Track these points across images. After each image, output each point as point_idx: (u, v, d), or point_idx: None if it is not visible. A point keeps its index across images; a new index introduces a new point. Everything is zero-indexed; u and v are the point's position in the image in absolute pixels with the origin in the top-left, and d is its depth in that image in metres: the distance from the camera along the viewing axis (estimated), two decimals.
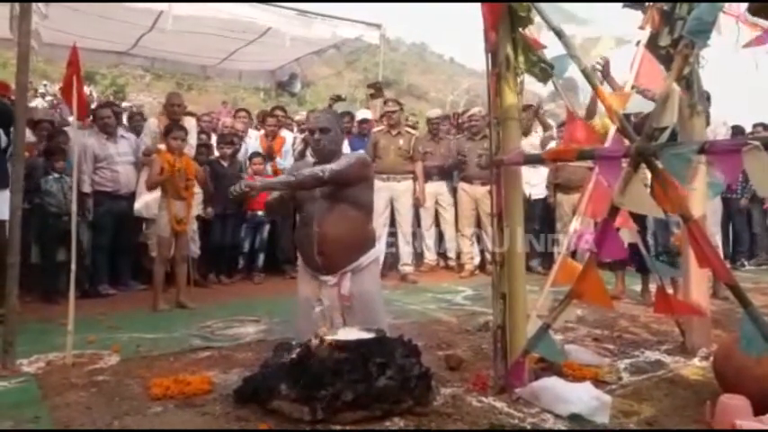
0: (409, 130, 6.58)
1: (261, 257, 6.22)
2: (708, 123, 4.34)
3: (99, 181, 5.37)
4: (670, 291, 3.05)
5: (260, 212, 5.90)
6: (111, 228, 5.38)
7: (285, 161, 6.28)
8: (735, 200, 7.28)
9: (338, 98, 6.84)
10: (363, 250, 3.05)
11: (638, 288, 5.16)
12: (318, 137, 3.05)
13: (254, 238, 6.13)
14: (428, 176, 6.65)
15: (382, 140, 6.33)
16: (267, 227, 6.14)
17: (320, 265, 2.98)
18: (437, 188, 6.73)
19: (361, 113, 7.28)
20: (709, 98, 4.76)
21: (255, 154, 6.11)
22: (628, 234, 3.48)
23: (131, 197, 5.48)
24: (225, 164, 5.99)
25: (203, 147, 5.97)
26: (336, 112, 3.98)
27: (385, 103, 6.73)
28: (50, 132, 5.51)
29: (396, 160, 6.29)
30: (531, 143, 6.34)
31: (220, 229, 5.94)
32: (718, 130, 5.53)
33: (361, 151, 5.71)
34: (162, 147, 5.02)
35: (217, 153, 6.09)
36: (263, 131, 6.70)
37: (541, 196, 6.57)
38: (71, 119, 3.96)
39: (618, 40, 3.22)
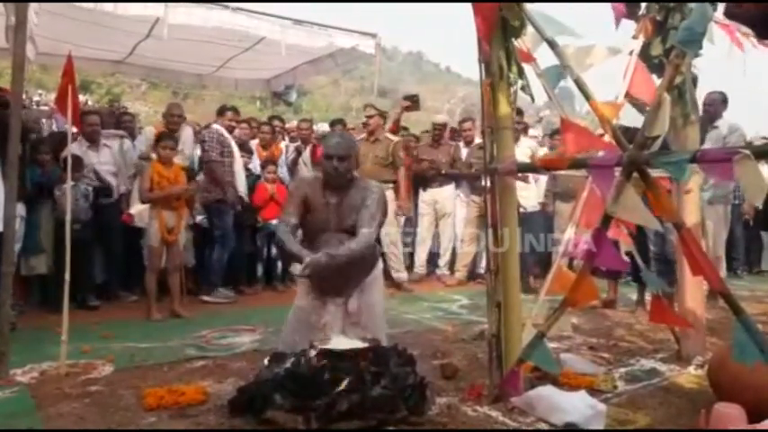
0: (389, 135, 6.26)
1: (279, 265, 6.19)
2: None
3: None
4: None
5: (273, 221, 5.90)
6: (93, 237, 5.23)
7: (281, 169, 6.28)
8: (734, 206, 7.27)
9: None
10: (369, 271, 3.18)
11: (635, 296, 5.14)
12: (337, 164, 3.04)
13: (269, 246, 6.08)
14: (428, 183, 6.64)
15: (362, 149, 6.02)
16: None
17: (329, 290, 3.05)
18: (435, 195, 6.72)
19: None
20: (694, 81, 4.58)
21: (268, 162, 6.08)
22: (624, 243, 3.49)
23: (114, 206, 5.39)
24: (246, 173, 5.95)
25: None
26: (353, 138, 3.97)
27: (364, 108, 6.49)
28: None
29: (372, 168, 5.90)
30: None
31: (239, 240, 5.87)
32: (729, 138, 5.26)
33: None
34: (154, 156, 5.02)
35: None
36: (257, 140, 6.69)
37: (536, 208, 6.40)
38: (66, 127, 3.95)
39: (611, 50, 3.24)
